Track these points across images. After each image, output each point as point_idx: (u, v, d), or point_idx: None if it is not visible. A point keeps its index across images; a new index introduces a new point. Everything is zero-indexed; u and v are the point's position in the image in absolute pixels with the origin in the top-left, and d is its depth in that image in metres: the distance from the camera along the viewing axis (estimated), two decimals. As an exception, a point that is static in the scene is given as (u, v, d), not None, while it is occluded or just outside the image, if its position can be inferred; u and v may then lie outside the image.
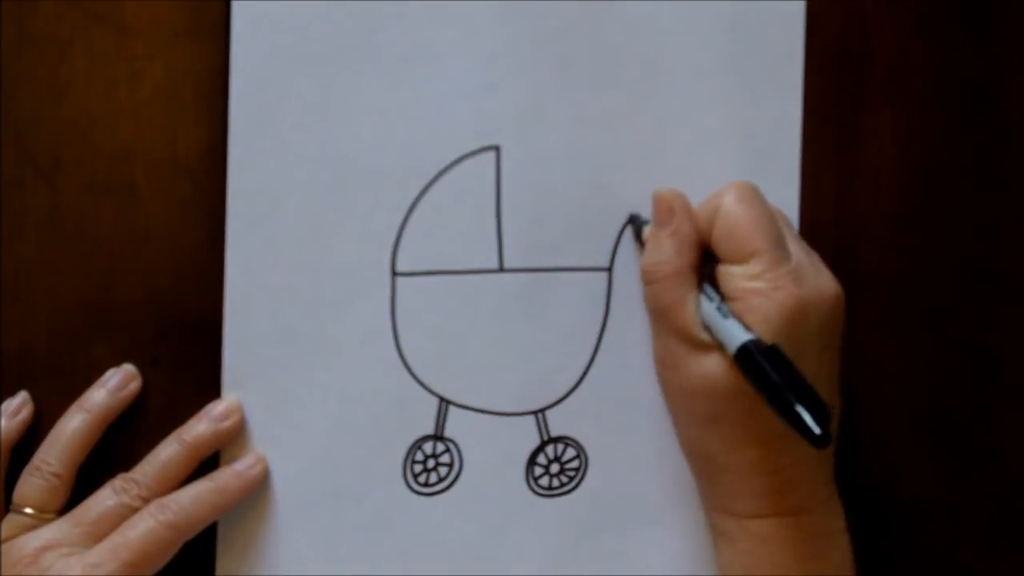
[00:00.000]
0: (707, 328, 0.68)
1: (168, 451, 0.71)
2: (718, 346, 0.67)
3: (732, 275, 0.68)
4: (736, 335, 0.66)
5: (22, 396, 0.71)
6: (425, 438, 0.73)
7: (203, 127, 0.71)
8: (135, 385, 0.71)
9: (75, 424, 0.70)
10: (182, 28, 0.71)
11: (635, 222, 0.73)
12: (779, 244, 0.68)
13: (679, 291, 0.69)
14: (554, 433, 0.74)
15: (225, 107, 0.70)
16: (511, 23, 0.72)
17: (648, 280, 0.70)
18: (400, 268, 0.72)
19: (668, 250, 0.69)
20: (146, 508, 0.69)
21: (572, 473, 0.74)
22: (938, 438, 0.77)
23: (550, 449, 0.74)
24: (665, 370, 0.70)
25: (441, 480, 0.73)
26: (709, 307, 0.68)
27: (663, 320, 0.70)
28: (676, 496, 0.74)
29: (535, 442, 0.74)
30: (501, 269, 0.73)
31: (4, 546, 0.69)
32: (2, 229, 0.70)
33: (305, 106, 0.71)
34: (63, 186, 0.71)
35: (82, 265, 0.71)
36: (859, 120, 0.75)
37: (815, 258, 0.70)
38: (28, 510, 0.69)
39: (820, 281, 0.69)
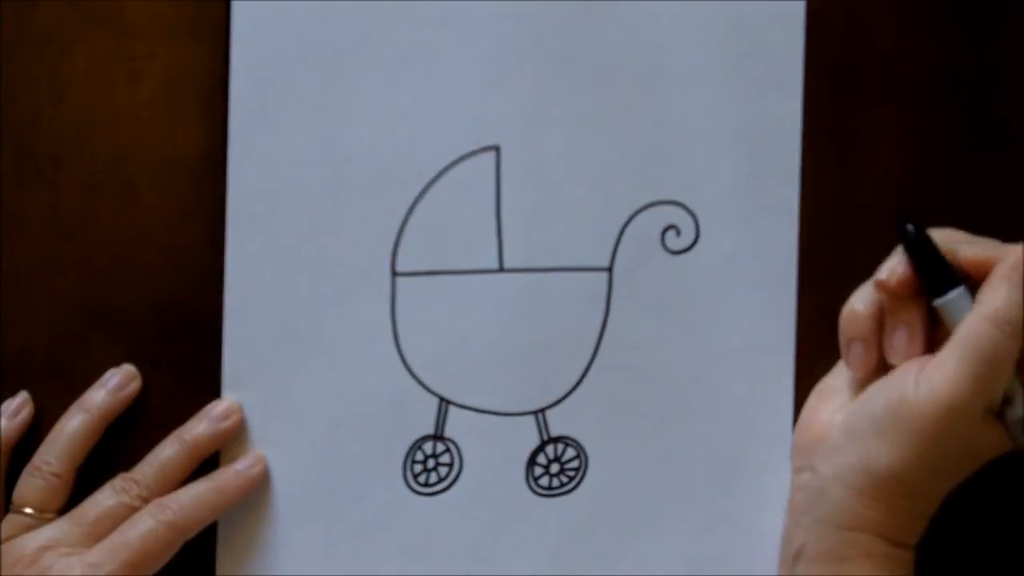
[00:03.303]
0: (1004, 396, 0.68)
1: (168, 451, 0.71)
2: (997, 417, 0.68)
3: None
4: None
5: (22, 396, 0.71)
6: (425, 438, 0.73)
7: (203, 127, 0.71)
8: (135, 385, 0.71)
9: (75, 424, 0.70)
10: (182, 28, 0.71)
11: (918, 233, 0.69)
12: None
13: (1016, 353, 0.67)
14: (554, 433, 0.74)
15: (225, 107, 0.70)
16: (511, 23, 0.72)
17: (1006, 331, 0.66)
18: (400, 268, 0.72)
19: None
20: (146, 508, 0.69)
21: (572, 473, 0.74)
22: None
23: (550, 449, 0.74)
24: (952, 413, 0.67)
25: (441, 480, 0.73)
26: (1016, 379, 0.67)
27: (989, 372, 0.66)
28: (676, 496, 0.74)
29: (535, 442, 0.74)
30: (501, 269, 0.73)
31: (4, 546, 0.69)
32: (2, 229, 0.70)
33: (305, 106, 0.71)
34: (63, 186, 0.71)
35: (82, 265, 0.71)
36: (859, 120, 0.75)
37: None
38: (28, 510, 0.69)
39: None
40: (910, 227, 0.69)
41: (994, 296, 0.67)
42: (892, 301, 0.70)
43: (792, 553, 0.71)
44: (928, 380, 0.67)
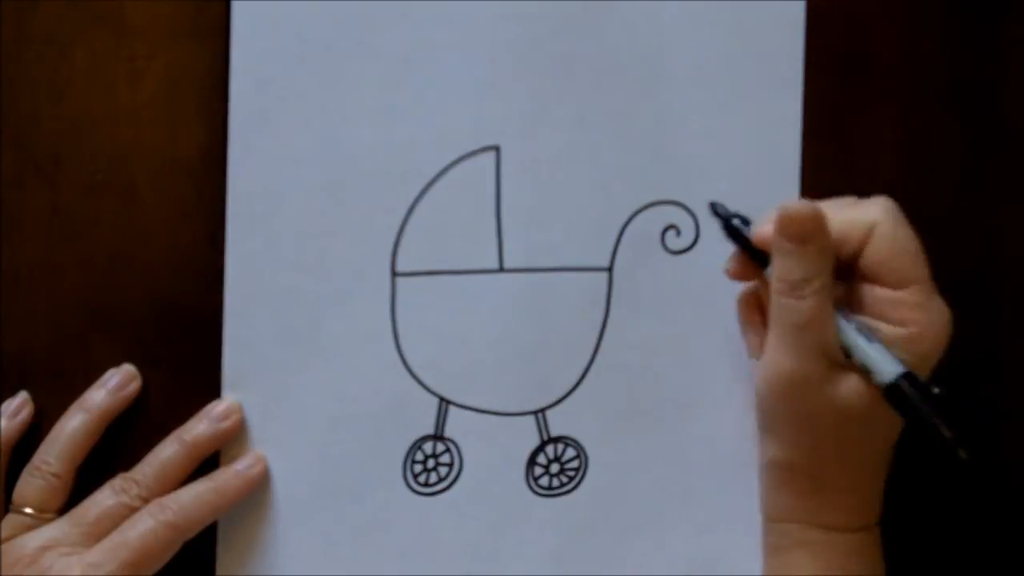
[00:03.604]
0: (843, 348, 0.67)
1: (168, 451, 0.71)
2: (854, 367, 0.67)
3: (885, 300, 0.67)
4: (887, 365, 0.66)
5: (22, 396, 0.71)
6: (425, 438, 0.73)
7: (203, 127, 0.71)
8: (135, 385, 0.71)
9: (75, 424, 0.70)
10: (182, 28, 0.71)
11: (727, 215, 0.70)
12: (929, 273, 0.68)
13: (826, 308, 0.67)
14: (554, 433, 0.74)
15: (225, 107, 0.70)
16: (511, 23, 0.72)
17: (795, 295, 0.67)
18: (400, 268, 0.72)
19: (816, 265, 0.67)
20: (146, 508, 0.69)
21: (572, 473, 0.74)
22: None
23: (550, 449, 0.74)
24: (793, 388, 0.68)
25: (441, 480, 0.73)
26: (849, 327, 0.67)
27: (803, 336, 0.67)
28: (676, 496, 0.74)
29: (535, 442, 0.74)
30: (501, 269, 0.73)
31: (4, 546, 0.69)
32: (2, 229, 0.70)
33: (305, 106, 0.71)
34: (63, 186, 0.71)
35: (82, 265, 0.71)
36: (859, 120, 0.75)
37: None
38: (28, 510, 0.69)
39: (946, 311, 0.68)
40: (736, 221, 0.70)
41: (772, 265, 0.68)
42: (764, 284, 0.70)
43: (763, 548, 0.73)
44: (759, 360, 0.70)
